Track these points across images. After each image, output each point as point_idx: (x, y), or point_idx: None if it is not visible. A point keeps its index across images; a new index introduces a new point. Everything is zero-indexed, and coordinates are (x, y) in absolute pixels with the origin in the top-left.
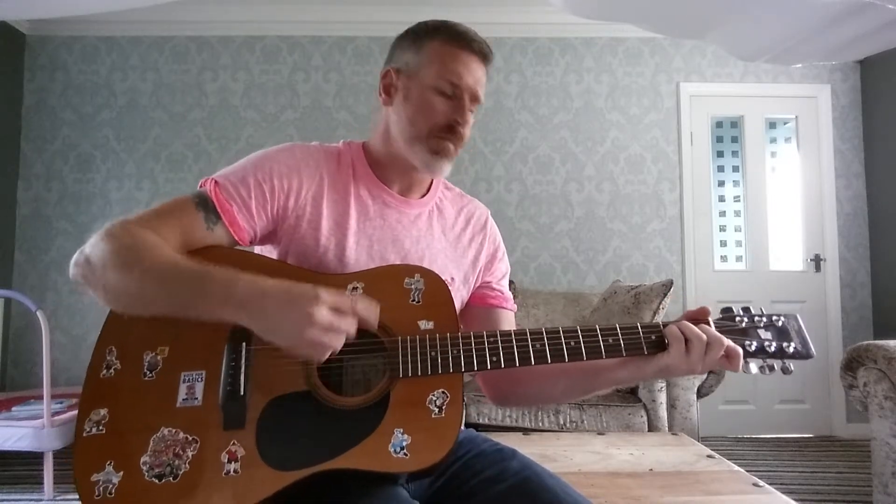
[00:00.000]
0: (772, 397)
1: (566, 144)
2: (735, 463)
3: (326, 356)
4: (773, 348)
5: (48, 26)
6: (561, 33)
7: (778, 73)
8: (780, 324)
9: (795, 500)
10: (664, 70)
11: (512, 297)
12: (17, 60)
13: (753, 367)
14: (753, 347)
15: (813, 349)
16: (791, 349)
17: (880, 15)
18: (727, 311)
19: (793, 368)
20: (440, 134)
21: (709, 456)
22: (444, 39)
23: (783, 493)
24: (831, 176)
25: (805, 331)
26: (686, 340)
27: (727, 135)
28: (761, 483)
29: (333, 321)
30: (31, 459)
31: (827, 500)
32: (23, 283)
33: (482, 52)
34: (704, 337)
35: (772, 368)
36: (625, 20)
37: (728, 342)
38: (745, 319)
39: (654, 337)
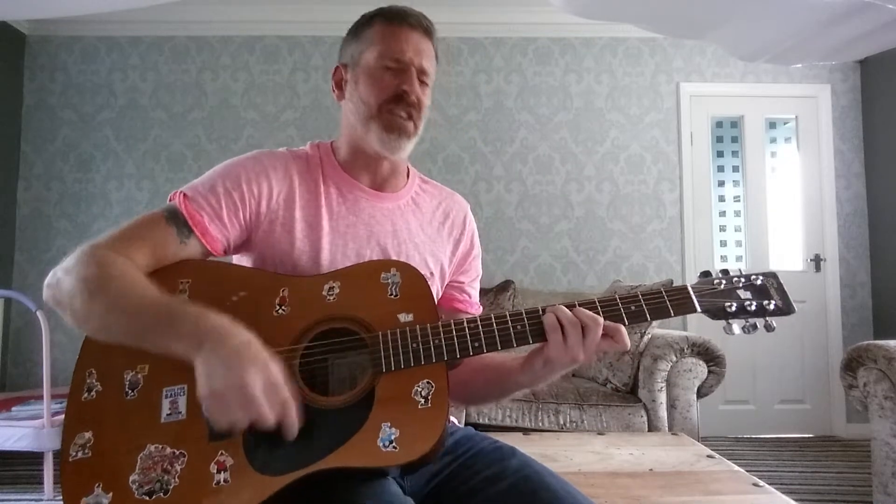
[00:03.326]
0: (772, 397)
1: (566, 144)
2: (735, 463)
3: (224, 423)
4: (753, 307)
5: (48, 26)
6: (561, 33)
7: (778, 73)
8: (758, 283)
9: (795, 500)
10: (664, 70)
11: (478, 301)
12: (17, 60)
13: (736, 327)
14: (734, 308)
15: (794, 305)
16: (772, 306)
17: (880, 15)
18: (705, 275)
19: (775, 326)
20: (391, 107)
21: (709, 456)
22: (381, 22)
23: (783, 493)
24: (831, 176)
25: (785, 288)
26: (562, 328)
27: (727, 135)
28: (761, 483)
29: (258, 398)
30: (31, 459)
31: (827, 500)
32: (23, 283)
33: (421, 25)
34: (577, 321)
35: (754, 327)
36: (625, 20)
37: (603, 321)
38: (724, 281)
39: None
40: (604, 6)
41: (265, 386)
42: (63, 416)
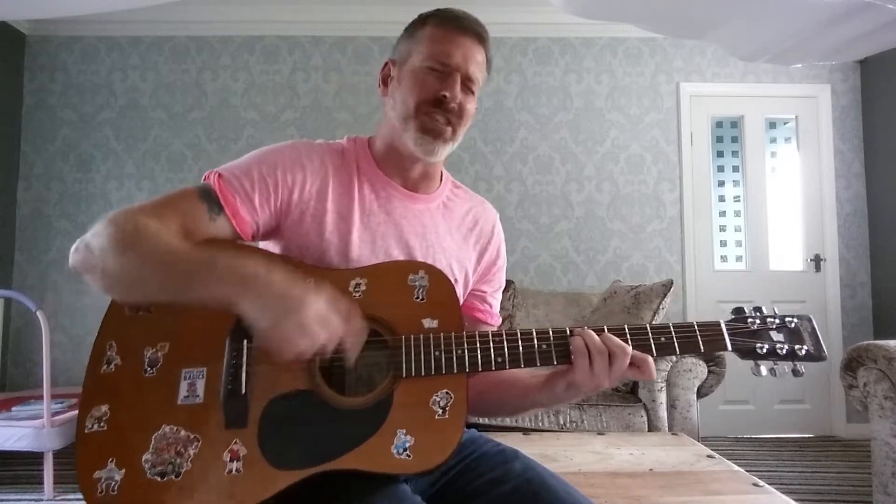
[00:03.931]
0: (772, 397)
1: (566, 144)
2: (735, 463)
3: (291, 356)
4: (784, 351)
5: (48, 26)
6: (561, 33)
7: (778, 73)
8: (792, 325)
9: (795, 500)
10: (664, 70)
11: (499, 311)
12: (17, 60)
13: (763, 369)
14: (765, 350)
15: (825, 351)
16: (803, 352)
17: (880, 15)
18: (739, 312)
19: (804, 371)
20: (429, 109)
21: (709, 456)
22: (436, 23)
23: (783, 493)
24: (831, 176)
25: (818, 332)
26: (589, 353)
27: (727, 135)
28: (761, 483)
29: (315, 328)
30: (31, 459)
31: (827, 500)
32: (23, 283)
33: (474, 31)
34: (605, 349)
35: (783, 371)
36: (625, 20)
37: (632, 351)
38: (757, 321)
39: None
40: (604, 6)
41: (318, 319)
42: (63, 416)
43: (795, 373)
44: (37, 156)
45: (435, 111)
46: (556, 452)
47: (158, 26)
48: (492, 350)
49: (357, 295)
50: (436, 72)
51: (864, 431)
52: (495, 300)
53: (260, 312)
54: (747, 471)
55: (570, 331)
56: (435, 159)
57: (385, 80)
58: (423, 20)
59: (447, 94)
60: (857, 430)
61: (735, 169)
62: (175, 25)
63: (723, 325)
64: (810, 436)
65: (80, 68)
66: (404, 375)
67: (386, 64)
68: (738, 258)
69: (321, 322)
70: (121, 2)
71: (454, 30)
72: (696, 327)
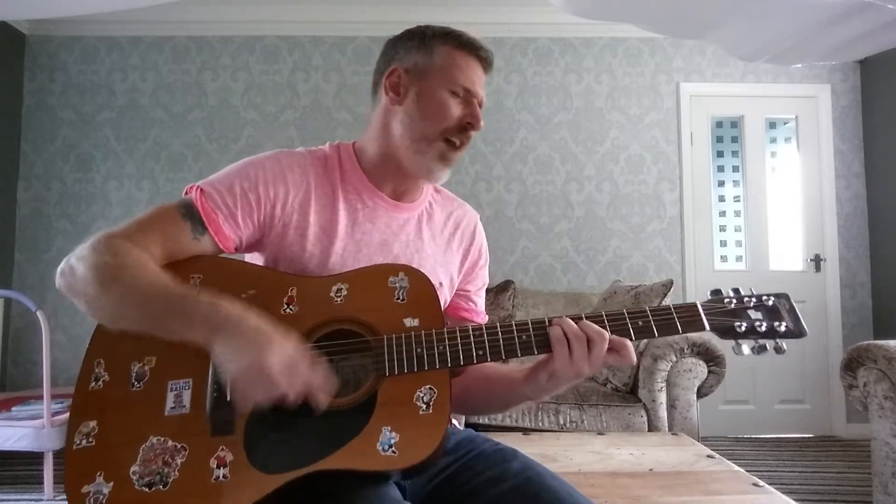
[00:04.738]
0: (772, 397)
1: (566, 144)
2: (735, 463)
3: (249, 405)
4: (763, 328)
5: (48, 26)
6: (561, 33)
7: (778, 73)
8: (770, 303)
9: (795, 500)
10: (664, 70)
11: (484, 309)
12: (17, 60)
13: (745, 347)
14: (744, 328)
15: (805, 327)
16: (783, 328)
17: (880, 15)
18: (716, 293)
19: (786, 347)
20: (452, 135)
21: (709, 456)
22: (456, 45)
23: (783, 493)
24: (831, 176)
25: (797, 309)
26: (567, 341)
27: (727, 135)
28: (761, 483)
29: (277, 378)
30: (31, 459)
31: (827, 500)
32: (23, 283)
33: (488, 62)
34: (583, 335)
35: (764, 349)
36: (625, 20)
37: (610, 336)
38: (735, 300)
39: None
40: (604, 6)
41: (283, 367)
42: (63, 416)
43: (777, 350)
44: (37, 156)
45: (457, 136)
46: (556, 452)
47: (158, 26)
48: (472, 344)
49: (339, 300)
50: (458, 97)
51: (864, 431)
52: (479, 298)
53: (228, 358)
54: (747, 471)
55: (549, 320)
56: (439, 183)
57: (396, 88)
58: (438, 36)
59: (473, 122)
60: (857, 430)
61: (735, 169)
62: (175, 25)
63: (699, 306)
64: (810, 436)
65: (80, 68)
66: (387, 374)
67: (395, 70)
68: (738, 258)
69: (286, 371)
70: (121, 2)
71: (475, 58)
72: (672, 310)
